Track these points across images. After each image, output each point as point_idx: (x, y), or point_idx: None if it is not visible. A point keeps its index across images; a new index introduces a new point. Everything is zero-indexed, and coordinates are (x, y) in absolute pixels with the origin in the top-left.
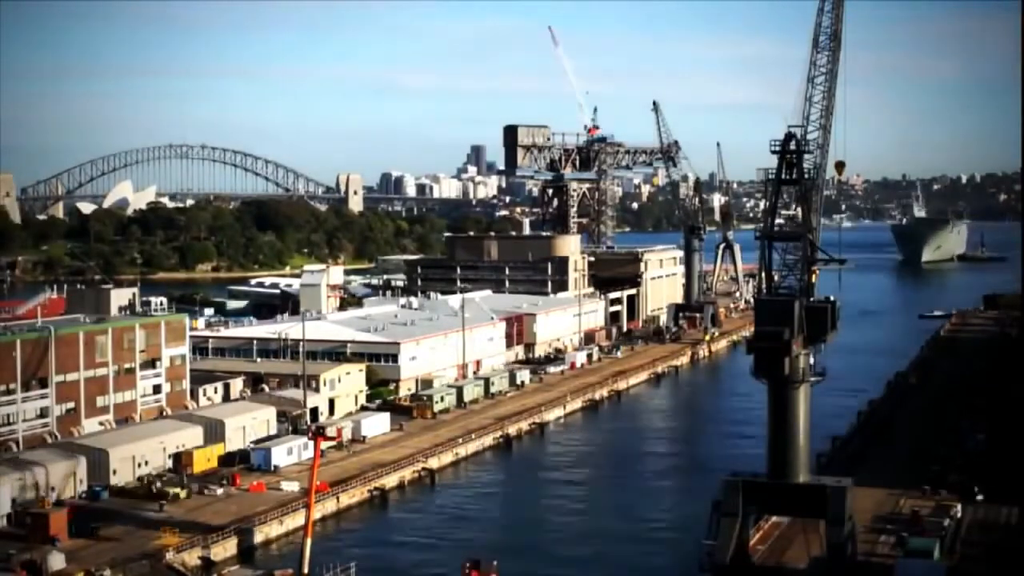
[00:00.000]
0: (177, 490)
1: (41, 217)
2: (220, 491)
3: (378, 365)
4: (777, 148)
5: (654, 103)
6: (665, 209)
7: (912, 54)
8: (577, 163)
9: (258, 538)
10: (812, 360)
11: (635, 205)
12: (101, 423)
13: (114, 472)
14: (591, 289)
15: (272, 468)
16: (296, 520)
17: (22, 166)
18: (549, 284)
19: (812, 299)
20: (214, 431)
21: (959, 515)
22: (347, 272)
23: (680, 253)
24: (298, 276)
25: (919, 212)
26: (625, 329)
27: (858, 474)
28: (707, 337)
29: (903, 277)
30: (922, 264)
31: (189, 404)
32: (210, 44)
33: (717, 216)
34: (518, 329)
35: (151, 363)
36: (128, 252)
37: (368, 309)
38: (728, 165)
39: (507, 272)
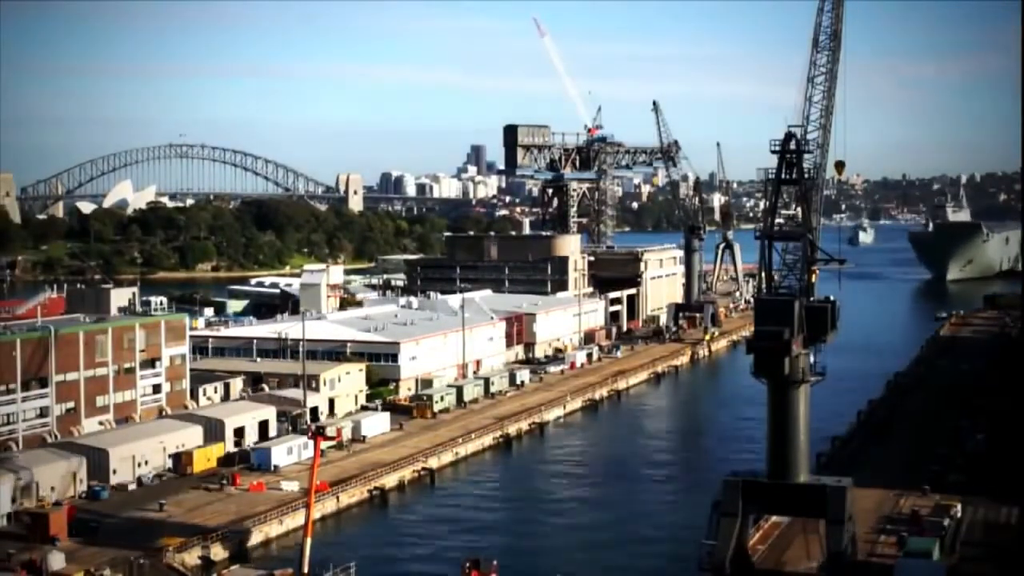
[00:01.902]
0: None
1: (41, 217)
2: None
3: (378, 365)
4: (777, 148)
5: (654, 103)
6: (665, 209)
7: (912, 54)
8: (577, 163)
9: (258, 538)
10: (812, 359)
11: (635, 205)
12: (101, 423)
13: (114, 472)
14: (591, 289)
15: (272, 468)
16: (296, 520)
17: (22, 166)
18: (549, 284)
19: (812, 299)
20: (214, 431)
21: (959, 515)
22: (347, 272)
23: (680, 253)
24: (298, 276)
25: (955, 215)
26: (625, 329)
27: (858, 474)
28: (707, 337)
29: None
30: (947, 284)
31: (189, 404)
32: (210, 44)
33: (717, 216)
34: (518, 329)
35: (151, 363)
36: (128, 252)
37: (368, 309)
38: (728, 165)
39: (507, 272)
